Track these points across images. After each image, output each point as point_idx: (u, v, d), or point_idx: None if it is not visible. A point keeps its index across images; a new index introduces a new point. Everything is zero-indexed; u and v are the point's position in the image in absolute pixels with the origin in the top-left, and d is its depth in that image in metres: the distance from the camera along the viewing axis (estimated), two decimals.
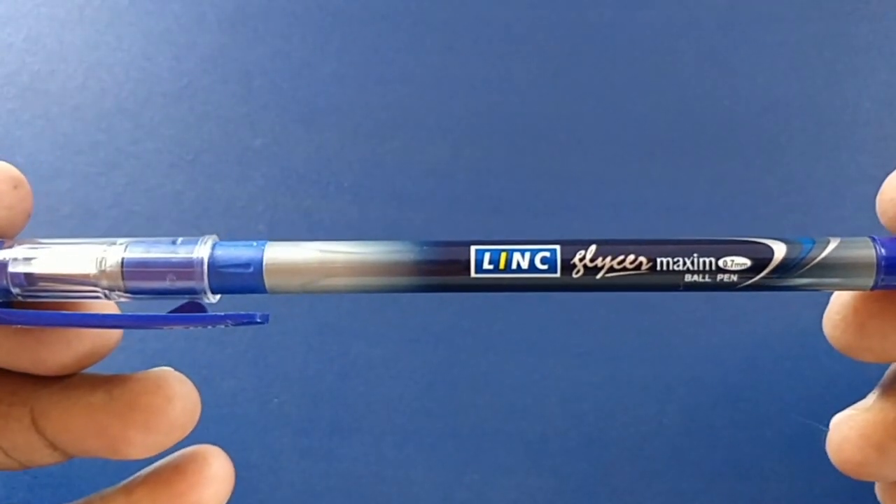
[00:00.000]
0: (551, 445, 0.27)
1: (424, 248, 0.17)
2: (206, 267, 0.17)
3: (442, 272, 0.17)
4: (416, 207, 0.29)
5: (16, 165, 0.18)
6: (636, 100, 0.30)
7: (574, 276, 0.16)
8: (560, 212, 0.29)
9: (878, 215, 0.18)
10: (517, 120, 0.30)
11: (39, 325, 0.18)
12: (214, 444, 0.19)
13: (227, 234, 0.18)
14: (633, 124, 0.30)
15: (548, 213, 0.29)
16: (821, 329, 0.19)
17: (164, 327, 0.18)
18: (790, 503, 0.26)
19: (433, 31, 0.31)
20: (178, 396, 0.18)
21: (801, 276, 0.16)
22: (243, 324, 0.17)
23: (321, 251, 0.17)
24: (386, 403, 0.27)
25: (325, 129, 0.30)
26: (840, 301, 0.18)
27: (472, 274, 0.17)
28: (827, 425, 0.19)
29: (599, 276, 0.16)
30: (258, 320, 0.17)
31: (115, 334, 0.19)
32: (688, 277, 0.16)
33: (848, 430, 0.18)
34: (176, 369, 0.18)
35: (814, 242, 0.17)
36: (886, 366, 0.19)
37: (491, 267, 0.17)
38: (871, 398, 0.19)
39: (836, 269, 0.17)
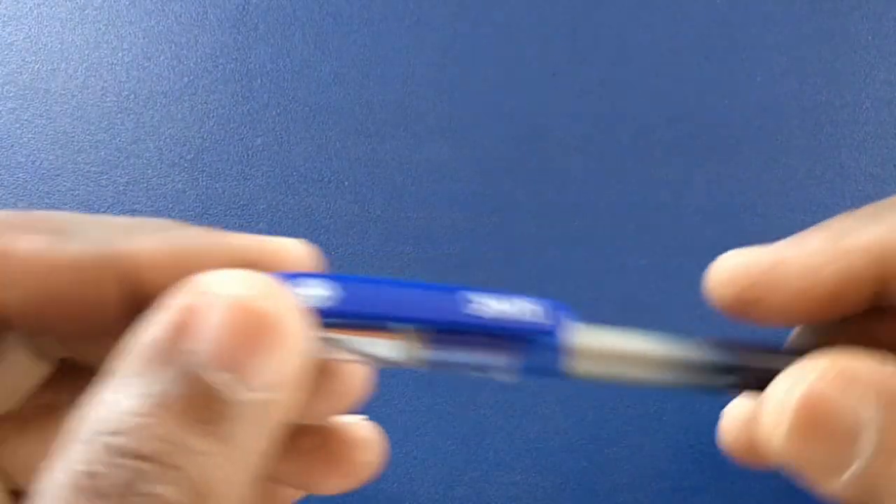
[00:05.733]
0: (551, 443, 0.27)
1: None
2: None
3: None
4: (417, 207, 0.29)
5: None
6: (636, 100, 0.30)
7: None
8: (560, 212, 0.29)
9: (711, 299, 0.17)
10: (517, 120, 0.30)
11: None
12: None
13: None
14: (634, 124, 0.30)
15: (548, 213, 0.29)
16: None
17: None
18: (790, 503, 0.26)
19: (433, 31, 0.31)
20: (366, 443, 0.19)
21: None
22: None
23: (630, 343, 0.16)
24: (386, 403, 0.27)
25: (326, 129, 0.30)
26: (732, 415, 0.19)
27: None
28: None
29: None
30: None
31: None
32: None
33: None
34: None
35: None
36: None
37: None
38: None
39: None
